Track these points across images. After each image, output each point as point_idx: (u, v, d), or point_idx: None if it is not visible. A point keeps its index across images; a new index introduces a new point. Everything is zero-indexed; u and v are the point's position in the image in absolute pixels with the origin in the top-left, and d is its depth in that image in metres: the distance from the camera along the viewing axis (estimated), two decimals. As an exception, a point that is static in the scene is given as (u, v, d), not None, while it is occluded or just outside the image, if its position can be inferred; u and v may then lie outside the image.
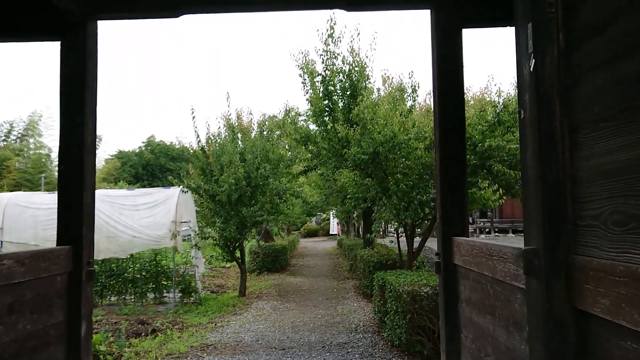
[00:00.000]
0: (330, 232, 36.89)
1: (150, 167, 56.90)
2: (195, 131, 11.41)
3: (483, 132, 6.98)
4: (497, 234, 41.24)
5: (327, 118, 8.84)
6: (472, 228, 40.98)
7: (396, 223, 7.92)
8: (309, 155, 9.19)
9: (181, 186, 11.12)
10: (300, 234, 37.38)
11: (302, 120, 9.04)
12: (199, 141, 11.44)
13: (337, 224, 34.82)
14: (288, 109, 8.54)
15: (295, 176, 9.15)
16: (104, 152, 67.35)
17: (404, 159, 7.87)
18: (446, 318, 3.64)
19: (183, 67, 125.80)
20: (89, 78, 3.46)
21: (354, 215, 19.33)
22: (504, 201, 10.05)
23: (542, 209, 1.91)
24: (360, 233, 22.89)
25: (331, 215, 32.70)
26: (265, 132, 12.18)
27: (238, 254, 12.02)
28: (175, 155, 57.95)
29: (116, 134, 73.24)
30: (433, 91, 3.95)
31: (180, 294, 10.94)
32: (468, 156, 7.17)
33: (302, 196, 12.78)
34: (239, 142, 11.55)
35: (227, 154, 10.56)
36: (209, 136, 11.54)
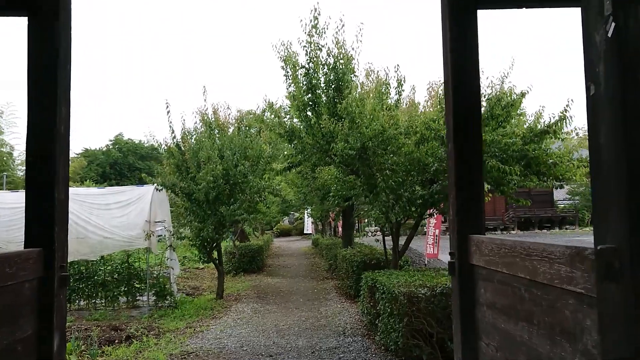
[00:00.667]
0: (305, 232, 36.52)
1: (118, 166, 55.44)
2: (170, 126, 10.90)
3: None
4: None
5: (311, 113, 8.48)
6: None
7: (380, 222, 7.62)
8: (293, 151, 8.80)
9: (155, 184, 10.59)
10: (274, 233, 36.90)
11: (285, 115, 8.62)
12: (174, 137, 10.93)
13: (312, 223, 34.48)
14: (269, 102, 8.10)
15: (280, 172, 8.74)
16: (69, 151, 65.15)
17: (392, 155, 7.59)
18: (462, 324, 3.32)
19: (154, 60, 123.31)
20: (61, 54, 3.01)
21: (332, 214, 19.03)
22: (489, 199, 9.92)
23: (626, 199, 1.60)
24: (338, 232, 22.61)
25: (306, 214, 32.34)
26: (243, 128, 11.75)
27: (215, 255, 11.56)
28: (145, 154, 56.67)
29: (82, 131, 71.05)
30: (445, 79, 3.63)
31: (154, 297, 10.42)
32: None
33: (282, 195, 12.37)
34: (216, 139, 11.08)
35: (205, 150, 10.09)
36: (184, 132, 11.03)
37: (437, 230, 11.07)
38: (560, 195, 49.99)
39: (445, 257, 15.79)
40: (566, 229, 44.24)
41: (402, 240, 9.17)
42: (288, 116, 8.32)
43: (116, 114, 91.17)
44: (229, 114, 11.89)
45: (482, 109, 6.87)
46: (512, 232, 43.54)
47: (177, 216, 11.52)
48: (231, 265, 16.20)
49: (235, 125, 12.00)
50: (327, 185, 11.11)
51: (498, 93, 6.75)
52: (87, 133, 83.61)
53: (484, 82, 7.12)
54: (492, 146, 6.76)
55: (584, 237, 31.22)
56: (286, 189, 15.41)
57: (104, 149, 57.75)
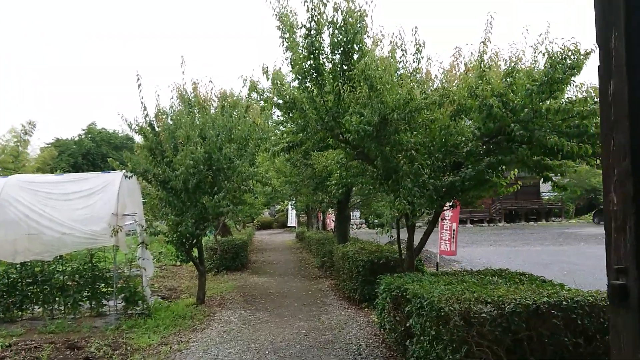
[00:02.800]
0: (289, 224, 34.92)
1: (91, 156, 52.87)
2: (142, 102, 9.23)
3: (530, 94, 5.30)
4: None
5: (312, 83, 6.94)
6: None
7: (402, 211, 6.16)
8: (294, 127, 7.25)
9: (124, 170, 8.94)
10: (254, 226, 35.21)
11: (282, 84, 7.03)
12: (146, 114, 9.26)
13: (297, 215, 32.95)
14: (264, 68, 6.51)
15: (277, 154, 7.21)
16: (39, 140, 62.71)
17: (417, 131, 6.12)
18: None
19: (132, 43, 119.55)
20: None
21: (320, 206, 17.51)
22: (519, 187, 8.56)
23: None
24: (328, 225, 21.11)
25: (290, 206, 30.76)
26: (226, 106, 10.12)
27: (196, 253, 9.97)
28: (119, 144, 54.24)
29: (53, 120, 67.86)
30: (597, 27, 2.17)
31: (123, 303, 8.83)
32: (508, 127, 5.52)
33: (271, 184, 10.81)
34: (197, 118, 9.46)
35: (184, 128, 8.47)
36: (158, 109, 9.37)
37: (454, 224, 9.67)
38: (545, 186, 49.47)
39: (462, 254, 14.35)
40: (552, 220, 43.58)
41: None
42: (290, 80, 6.71)
43: (90, 102, 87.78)
44: (211, 90, 10.27)
45: (539, 69, 5.47)
46: (499, 224, 42.68)
47: (150, 208, 9.88)
48: (212, 263, 14.60)
49: (219, 103, 10.38)
50: (327, 172, 9.63)
51: (563, 49, 5.29)
52: (58, 122, 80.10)
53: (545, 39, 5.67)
54: (558, 117, 5.35)
55: (576, 230, 30.40)
56: (273, 177, 13.82)
57: (76, 139, 55.11)
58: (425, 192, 6.26)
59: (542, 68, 5.40)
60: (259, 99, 6.87)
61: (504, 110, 5.38)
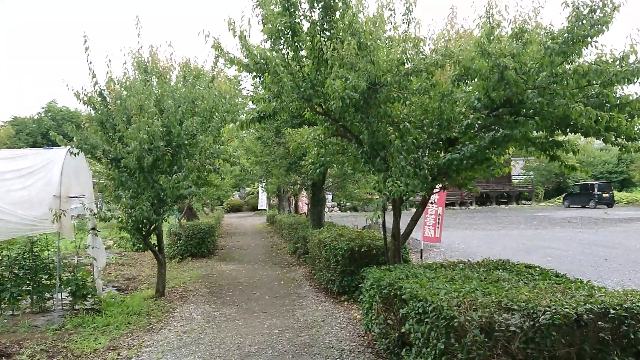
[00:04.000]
0: (259, 207, 33.79)
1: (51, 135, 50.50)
2: (90, 68, 8.01)
3: (550, 53, 4.41)
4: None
5: (286, 45, 5.92)
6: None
7: (394, 194, 5.26)
8: (267, 94, 6.21)
9: (69, 146, 7.77)
10: (224, 209, 33.96)
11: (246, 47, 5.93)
12: (96, 82, 8.06)
13: (268, 198, 31.90)
14: (230, 22, 5.44)
15: (247, 125, 6.16)
16: (-5, 117, 59.62)
17: (418, 98, 5.21)
18: None
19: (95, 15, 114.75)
20: None
21: (293, 188, 16.54)
22: (514, 168, 7.79)
23: None
24: (300, 209, 20.16)
25: (260, 188, 29.67)
26: (189, 76, 8.98)
27: (155, 240, 8.90)
28: (81, 123, 51.89)
29: (10, 97, 64.29)
30: None
31: (70, 298, 7.75)
32: (520, 95, 4.64)
33: (240, 163, 9.76)
34: (154, 88, 8.31)
35: (137, 95, 7.34)
36: (110, 77, 8.16)
37: (440, 209, 8.85)
38: (515, 170, 49.67)
39: (447, 240, 13.75)
40: (523, 204, 43.68)
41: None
42: (262, 38, 5.64)
43: (50, 79, 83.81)
44: (171, 56, 9.11)
45: (564, 23, 4.58)
46: (471, 207, 42.52)
47: (101, 190, 8.74)
48: (176, 249, 13.51)
49: (180, 72, 9.24)
50: (302, 150, 8.65)
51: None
52: (16, 100, 76.22)
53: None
54: (563, 85, 4.49)
55: (548, 213, 30.29)
56: (243, 157, 12.75)
57: (35, 117, 52.44)
58: (419, 172, 5.36)
59: (565, 24, 4.50)
60: (224, 61, 5.80)
61: (518, 73, 4.49)
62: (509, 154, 7.21)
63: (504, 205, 43.21)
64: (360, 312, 6.29)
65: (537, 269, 5.02)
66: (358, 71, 4.89)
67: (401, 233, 6.81)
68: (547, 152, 5.88)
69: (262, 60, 5.42)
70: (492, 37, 4.62)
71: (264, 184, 21.93)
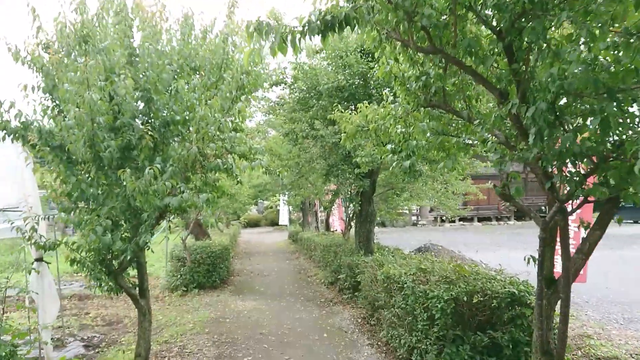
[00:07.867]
0: (280, 222, 30.53)
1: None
2: (32, 8, 5.01)
3: None
4: (462, 223, 36.63)
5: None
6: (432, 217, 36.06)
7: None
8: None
9: (-10, 127, 4.73)
10: (240, 224, 30.75)
11: None
12: (39, 28, 5.04)
13: (289, 212, 28.77)
14: None
15: (269, 87, 3.22)
16: None
17: None
18: None
19: None
20: None
21: (317, 201, 13.32)
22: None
23: None
24: (331, 225, 16.89)
25: (281, 202, 26.52)
26: (189, 32, 5.94)
27: (134, 278, 5.78)
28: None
29: None
30: None
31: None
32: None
33: (263, 161, 6.50)
34: (132, 37, 5.27)
35: (92, 37, 4.31)
36: (62, 23, 5.12)
37: (582, 229, 5.65)
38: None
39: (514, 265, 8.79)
40: (566, 218, 39.69)
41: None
42: None
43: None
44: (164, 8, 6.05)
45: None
46: (509, 222, 38.73)
47: (55, 199, 5.66)
48: (179, 278, 10.40)
49: (177, 27, 6.17)
50: (358, 141, 5.55)
51: None
52: None
53: None
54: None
55: (612, 230, 26.48)
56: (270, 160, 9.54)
57: None
58: None
59: None
60: None
61: None
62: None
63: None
64: None
65: None
66: None
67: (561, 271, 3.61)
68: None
69: None
70: None
71: (286, 196, 18.88)
